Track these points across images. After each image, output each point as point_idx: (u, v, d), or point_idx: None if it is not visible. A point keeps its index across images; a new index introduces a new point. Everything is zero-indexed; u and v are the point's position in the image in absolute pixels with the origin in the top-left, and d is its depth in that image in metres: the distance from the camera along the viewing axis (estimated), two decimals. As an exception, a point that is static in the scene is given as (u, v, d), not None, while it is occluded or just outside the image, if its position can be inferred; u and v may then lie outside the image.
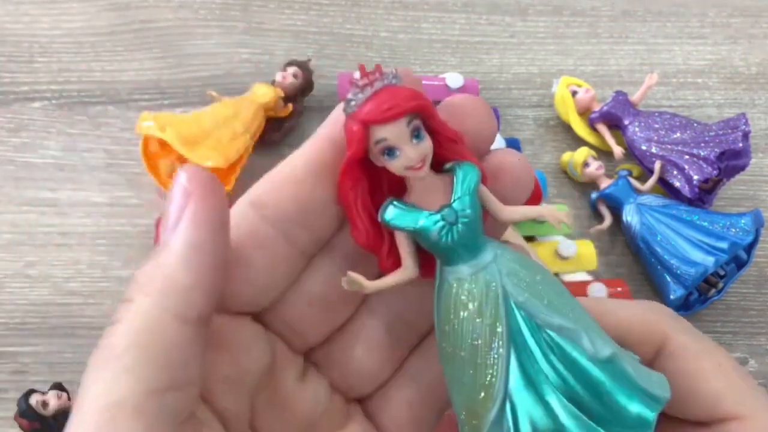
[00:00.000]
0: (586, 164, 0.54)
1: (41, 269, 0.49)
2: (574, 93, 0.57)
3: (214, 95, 0.54)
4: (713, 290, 0.51)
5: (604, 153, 0.56)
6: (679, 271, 0.48)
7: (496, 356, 0.22)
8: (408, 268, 0.23)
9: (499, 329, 0.22)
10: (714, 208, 0.53)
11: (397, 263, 0.23)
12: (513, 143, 0.54)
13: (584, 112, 0.57)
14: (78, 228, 0.50)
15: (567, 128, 0.58)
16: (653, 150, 0.53)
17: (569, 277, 0.50)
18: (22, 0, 0.60)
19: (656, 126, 0.54)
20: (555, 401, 0.22)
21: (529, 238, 0.51)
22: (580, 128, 0.57)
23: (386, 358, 0.25)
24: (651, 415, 0.22)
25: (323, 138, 0.23)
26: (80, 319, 0.47)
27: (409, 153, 0.21)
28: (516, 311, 0.22)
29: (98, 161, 0.53)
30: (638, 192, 0.53)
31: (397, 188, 0.23)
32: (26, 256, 0.49)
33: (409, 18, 0.63)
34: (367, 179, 0.23)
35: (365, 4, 0.63)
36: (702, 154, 0.51)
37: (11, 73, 0.56)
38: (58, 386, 0.43)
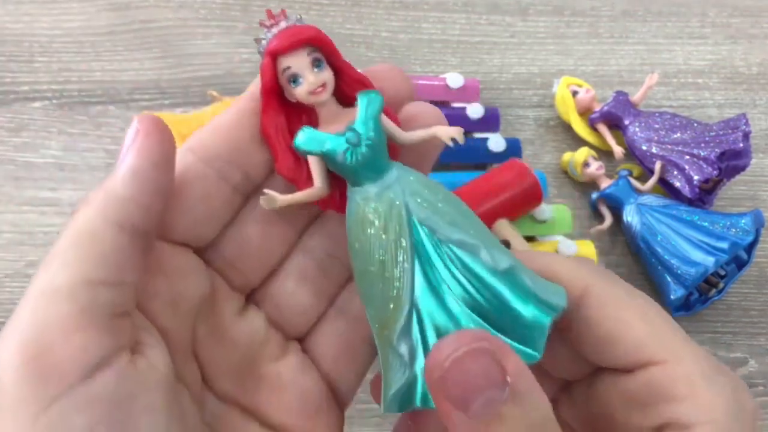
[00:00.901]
0: (586, 164, 0.54)
1: (41, 269, 0.49)
2: (574, 93, 0.57)
3: (214, 95, 0.54)
4: (714, 290, 0.51)
5: (604, 153, 0.56)
6: (679, 271, 0.48)
7: (401, 270, 0.24)
8: (317, 188, 0.25)
9: (404, 244, 0.24)
10: (714, 209, 0.53)
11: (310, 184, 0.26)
12: (514, 143, 0.54)
13: (585, 112, 0.57)
14: (78, 228, 0.50)
15: (567, 128, 0.58)
16: (653, 150, 0.53)
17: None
18: (23, 0, 0.60)
19: (656, 126, 0.54)
20: (457, 309, 0.24)
21: (530, 238, 0.51)
22: (581, 128, 0.57)
23: (318, 292, 0.28)
24: (546, 319, 0.24)
25: (251, 91, 0.26)
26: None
27: (310, 78, 0.25)
28: (418, 227, 0.24)
29: (99, 161, 0.53)
30: (638, 192, 0.53)
31: (314, 124, 0.26)
32: (27, 255, 0.49)
33: (409, 18, 0.63)
34: (285, 114, 0.26)
35: (366, 4, 0.63)
36: (702, 154, 0.51)
37: (12, 73, 0.56)
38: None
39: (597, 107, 0.56)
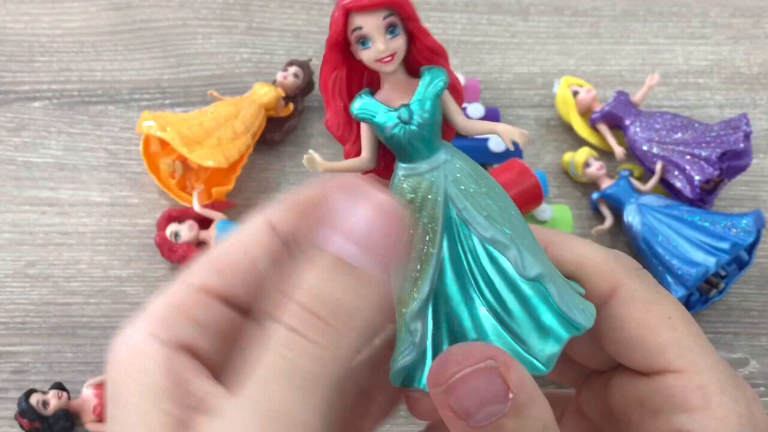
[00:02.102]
0: (587, 164, 0.54)
1: (41, 269, 0.49)
2: (575, 93, 0.57)
3: (215, 95, 0.54)
4: (714, 291, 0.51)
5: (605, 153, 0.56)
6: (680, 272, 0.48)
7: (428, 254, 0.23)
8: (364, 159, 0.25)
9: (436, 228, 0.23)
10: (715, 209, 0.53)
11: (358, 154, 0.25)
12: (514, 143, 0.54)
13: (585, 113, 0.57)
14: (78, 227, 0.50)
15: (568, 128, 0.58)
16: (654, 150, 0.53)
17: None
18: (23, 0, 0.60)
19: (657, 126, 0.54)
20: (478, 305, 0.23)
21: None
22: (582, 128, 0.57)
23: None
24: (565, 337, 0.23)
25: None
26: (81, 318, 0.47)
27: (380, 45, 0.23)
28: (454, 215, 0.23)
29: (99, 161, 0.53)
30: (639, 192, 0.53)
31: (375, 86, 0.24)
32: (27, 255, 0.49)
33: (410, 18, 0.63)
34: (348, 69, 0.24)
35: (366, 3, 0.63)
36: (703, 154, 0.51)
37: (12, 73, 0.56)
38: (59, 386, 0.43)
39: (598, 107, 0.56)
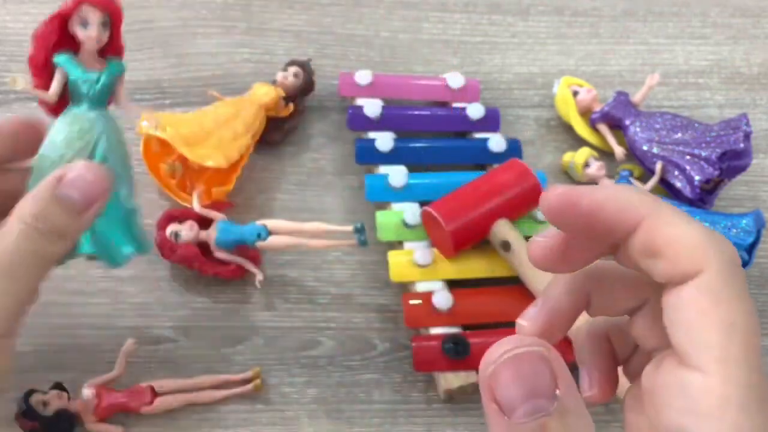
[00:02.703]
0: (587, 165, 0.54)
1: (42, 269, 0.49)
2: (575, 93, 0.57)
3: (215, 95, 0.54)
4: (714, 291, 0.51)
5: (605, 153, 0.56)
6: (680, 272, 0.48)
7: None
8: (52, 94, 0.37)
9: (84, 155, 0.36)
10: (715, 209, 0.53)
11: (45, 88, 0.37)
12: (514, 143, 0.54)
13: (585, 113, 0.57)
14: (79, 228, 0.50)
15: (568, 128, 0.58)
16: (654, 150, 0.53)
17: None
18: (24, 0, 0.60)
19: (657, 126, 0.54)
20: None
21: (530, 238, 0.51)
22: (582, 128, 0.57)
23: None
24: (129, 252, 0.39)
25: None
26: (81, 318, 0.47)
27: (93, 32, 0.36)
28: (99, 153, 0.37)
29: (99, 161, 0.53)
30: (639, 192, 0.53)
31: (76, 51, 0.38)
32: (27, 255, 0.49)
33: (410, 18, 0.63)
34: (59, 35, 0.37)
35: (366, 3, 0.63)
36: (703, 154, 0.51)
37: (12, 73, 0.56)
38: (59, 386, 0.43)
39: (598, 107, 0.56)
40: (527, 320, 0.26)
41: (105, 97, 0.38)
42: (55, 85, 0.37)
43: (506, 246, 0.47)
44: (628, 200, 0.24)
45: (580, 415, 0.21)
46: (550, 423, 0.21)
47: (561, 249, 0.26)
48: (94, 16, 0.36)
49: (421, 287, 0.48)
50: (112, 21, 0.37)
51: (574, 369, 0.24)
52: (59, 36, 0.37)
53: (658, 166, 0.52)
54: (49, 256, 0.34)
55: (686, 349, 0.23)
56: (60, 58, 0.37)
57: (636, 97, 0.56)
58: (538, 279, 0.45)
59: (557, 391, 0.21)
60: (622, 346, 0.29)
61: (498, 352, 0.22)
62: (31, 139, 0.37)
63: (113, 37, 0.38)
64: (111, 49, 0.38)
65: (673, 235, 0.24)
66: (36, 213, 0.33)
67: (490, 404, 0.21)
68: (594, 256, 0.26)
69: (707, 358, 0.23)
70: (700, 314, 0.23)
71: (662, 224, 0.24)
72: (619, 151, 0.55)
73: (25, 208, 0.33)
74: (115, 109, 0.39)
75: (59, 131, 0.37)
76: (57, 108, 0.37)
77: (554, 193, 0.25)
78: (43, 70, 0.37)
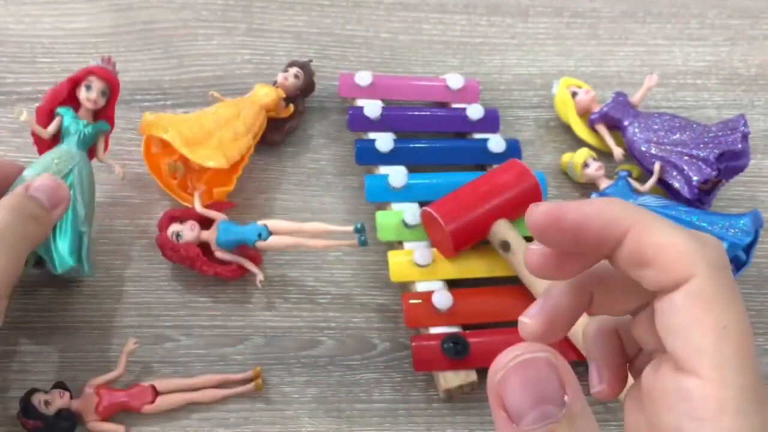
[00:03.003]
0: (586, 165, 0.54)
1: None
2: (574, 94, 0.57)
3: (216, 96, 0.54)
4: (712, 291, 0.51)
5: (603, 154, 0.56)
6: (678, 272, 0.48)
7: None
8: (48, 131, 0.46)
9: (65, 178, 0.45)
10: (713, 209, 0.54)
11: (44, 126, 0.46)
12: (513, 144, 0.54)
13: (584, 113, 0.58)
14: (80, 228, 0.50)
15: (567, 129, 0.58)
16: (653, 151, 0.53)
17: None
18: (25, 1, 0.60)
19: (656, 127, 0.54)
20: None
21: (530, 239, 0.51)
22: (580, 129, 0.57)
23: None
24: (67, 266, 0.44)
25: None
26: (82, 318, 0.47)
27: (93, 95, 0.47)
28: (70, 184, 0.45)
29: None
30: (638, 193, 0.53)
31: (77, 109, 0.47)
32: (28, 255, 0.49)
33: (410, 19, 0.63)
34: (67, 94, 0.47)
35: (366, 5, 0.63)
36: (701, 155, 0.51)
37: (14, 74, 0.57)
38: (61, 385, 0.43)
39: (596, 108, 0.57)
40: (529, 318, 0.26)
41: (88, 143, 0.47)
42: (53, 126, 0.46)
43: (506, 246, 0.47)
44: (612, 213, 0.25)
45: (588, 419, 0.21)
46: (558, 429, 0.21)
47: (557, 257, 0.26)
48: (97, 84, 0.46)
49: (420, 287, 0.48)
50: (111, 93, 0.47)
51: (574, 368, 0.24)
52: (66, 96, 0.47)
53: (657, 167, 0.53)
54: (31, 235, 0.41)
55: (681, 355, 0.24)
56: (62, 109, 0.47)
57: (634, 97, 0.56)
58: (537, 279, 0.46)
59: (565, 397, 0.21)
60: (630, 344, 0.29)
61: (506, 359, 0.22)
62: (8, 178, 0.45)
63: (108, 106, 0.47)
64: (104, 116, 0.48)
65: (660, 243, 0.24)
66: (14, 205, 0.41)
67: (499, 412, 0.21)
68: (589, 263, 0.27)
69: (702, 362, 0.23)
70: (692, 320, 0.24)
71: (648, 234, 0.24)
72: (617, 151, 0.55)
73: (5, 201, 0.41)
74: (96, 162, 0.48)
75: (41, 160, 0.45)
76: (46, 146, 0.47)
77: (538, 211, 0.25)
78: (46, 117, 0.46)
